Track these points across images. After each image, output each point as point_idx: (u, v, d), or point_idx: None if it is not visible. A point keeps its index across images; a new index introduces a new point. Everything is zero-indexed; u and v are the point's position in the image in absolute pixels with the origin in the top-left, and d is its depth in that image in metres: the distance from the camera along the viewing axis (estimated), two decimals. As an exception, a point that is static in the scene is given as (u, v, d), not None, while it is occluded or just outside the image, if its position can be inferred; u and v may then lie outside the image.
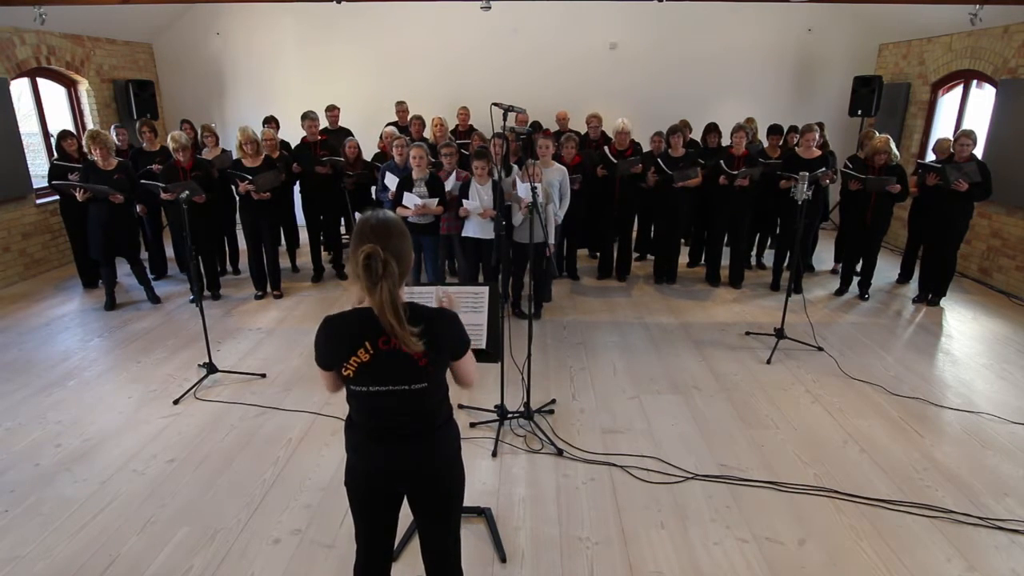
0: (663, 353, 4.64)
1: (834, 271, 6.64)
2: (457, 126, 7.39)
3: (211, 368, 4.17)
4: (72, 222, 5.83)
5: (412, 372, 1.65)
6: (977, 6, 5.82)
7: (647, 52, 8.36)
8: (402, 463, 1.75)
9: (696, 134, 7.20)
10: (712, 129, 6.75)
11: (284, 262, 6.61)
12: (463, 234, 5.07)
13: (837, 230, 6.26)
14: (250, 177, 5.26)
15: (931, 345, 4.83)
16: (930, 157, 6.21)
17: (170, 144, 5.28)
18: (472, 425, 3.57)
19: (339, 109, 7.17)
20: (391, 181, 5.27)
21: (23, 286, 6.21)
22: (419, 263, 5.38)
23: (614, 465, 3.22)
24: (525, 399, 3.64)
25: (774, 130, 6.37)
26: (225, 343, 4.78)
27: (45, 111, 7.01)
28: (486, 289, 2.47)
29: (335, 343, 1.66)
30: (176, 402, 3.85)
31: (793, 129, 6.58)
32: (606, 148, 6.09)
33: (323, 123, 7.10)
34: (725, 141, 6.53)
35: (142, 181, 5.49)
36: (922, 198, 5.53)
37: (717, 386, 4.12)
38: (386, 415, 1.72)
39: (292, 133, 6.87)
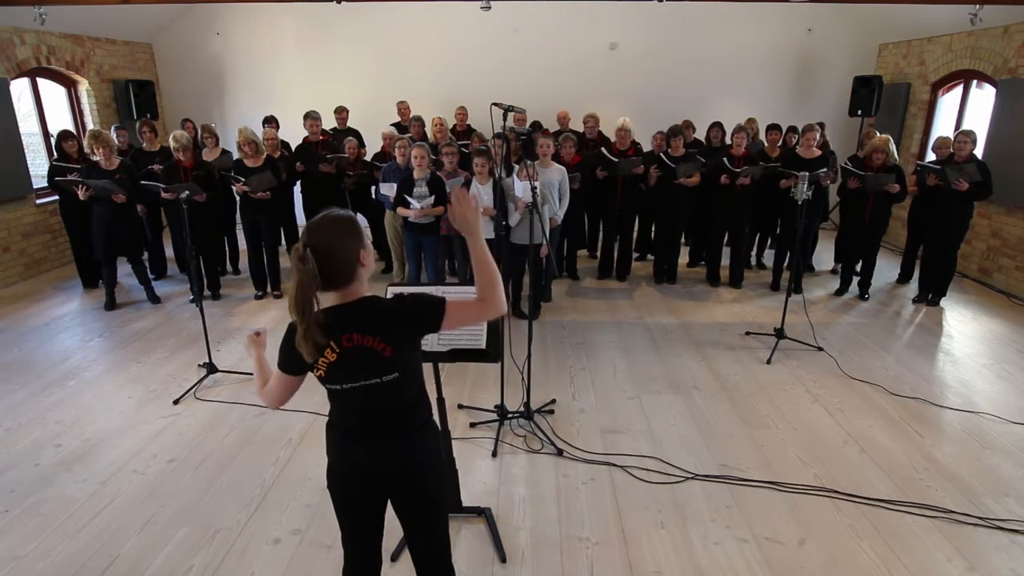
0: (663, 353, 4.64)
1: (834, 271, 6.64)
2: (455, 126, 7.40)
3: (211, 368, 4.17)
4: (72, 222, 5.83)
5: (380, 363, 1.64)
6: (977, 6, 5.82)
7: (647, 52, 8.36)
8: (380, 463, 1.71)
9: (700, 134, 7.19)
10: (716, 126, 6.75)
11: (284, 262, 6.60)
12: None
13: (837, 230, 6.26)
14: (243, 179, 5.27)
15: (931, 345, 4.83)
16: (930, 156, 6.22)
17: (172, 144, 5.28)
18: (472, 425, 3.57)
19: (347, 111, 7.21)
20: (388, 189, 5.29)
21: (23, 286, 6.21)
22: (419, 263, 5.38)
23: (614, 465, 3.22)
24: (525, 399, 3.64)
25: (773, 128, 6.36)
26: (225, 343, 4.78)
27: (45, 111, 7.01)
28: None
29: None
30: (176, 402, 3.85)
31: (792, 129, 6.58)
32: (603, 149, 6.08)
33: (332, 124, 7.14)
34: (727, 140, 6.53)
35: (142, 181, 5.50)
36: (922, 198, 5.53)
37: (717, 386, 4.12)
38: (363, 413, 1.70)
39: (292, 133, 6.87)
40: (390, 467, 1.72)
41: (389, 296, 1.72)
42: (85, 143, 5.34)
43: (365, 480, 1.74)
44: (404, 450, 1.72)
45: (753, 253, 7.00)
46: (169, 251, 6.57)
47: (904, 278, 6.28)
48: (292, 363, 1.69)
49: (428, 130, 7.00)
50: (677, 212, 5.95)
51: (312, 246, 1.55)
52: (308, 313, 1.54)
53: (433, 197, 4.95)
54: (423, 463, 1.75)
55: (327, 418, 1.78)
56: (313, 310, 1.55)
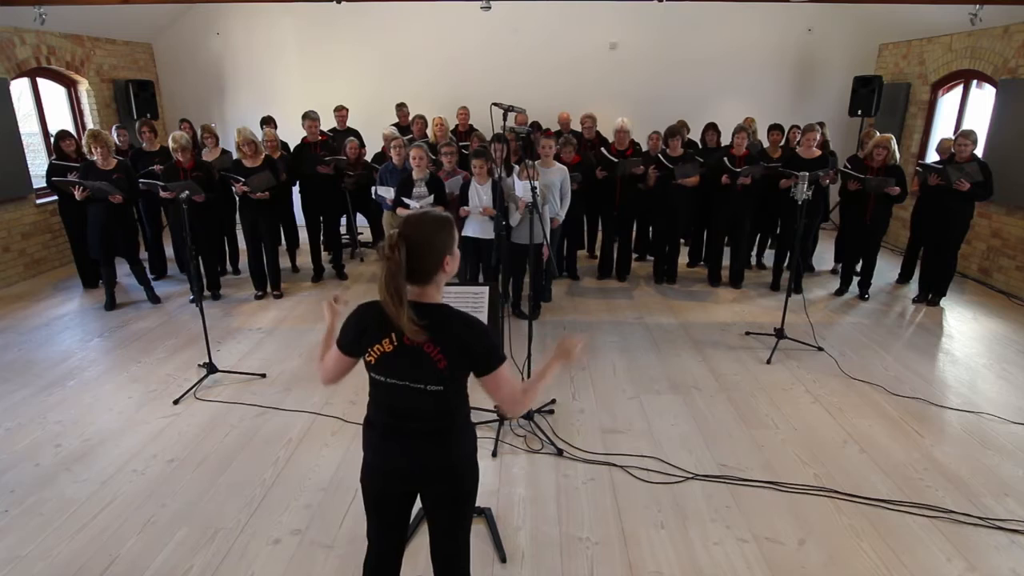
0: (663, 353, 4.63)
1: (834, 271, 6.63)
2: (457, 126, 7.40)
3: (211, 368, 4.16)
4: (72, 222, 5.83)
5: (430, 372, 1.65)
6: (977, 6, 5.82)
7: (647, 52, 8.36)
8: (418, 462, 1.75)
9: (695, 134, 7.19)
10: (711, 127, 6.74)
11: (284, 262, 6.61)
12: (463, 234, 5.07)
13: (837, 230, 6.26)
14: (242, 180, 5.27)
15: (931, 345, 4.83)
16: (932, 157, 6.22)
17: (171, 144, 5.28)
18: (472, 425, 3.57)
19: (347, 110, 7.21)
20: (386, 191, 5.29)
21: (23, 286, 6.21)
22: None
23: (614, 465, 3.22)
24: (525, 399, 3.63)
25: (775, 128, 6.35)
26: (225, 343, 4.78)
27: (45, 111, 7.01)
28: (486, 289, 2.47)
29: (364, 327, 1.68)
30: (176, 402, 3.85)
31: (795, 127, 6.56)
32: (603, 149, 6.08)
33: (331, 124, 7.14)
34: (724, 140, 6.52)
35: (142, 180, 5.49)
36: (923, 198, 5.53)
37: (717, 386, 4.12)
38: (402, 412, 1.72)
39: (292, 133, 6.87)
40: (425, 467, 1.75)
41: (465, 311, 1.72)
42: (84, 142, 5.33)
43: (400, 479, 1.79)
44: (440, 452, 1.75)
45: (753, 253, 7.00)
46: (169, 251, 6.57)
47: (904, 278, 6.27)
48: (350, 344, 1.72)
49: (429, 130, 7.00)
50: (676, 212, 5.95)
51: (406, 236, 1.57)
52: (403, 301, 1.55)
53: (432, 197, 4.95)
54: (457, 465, 1.78)
55: (364, 415, 1.81)
56: (406, 297, 1.56)
